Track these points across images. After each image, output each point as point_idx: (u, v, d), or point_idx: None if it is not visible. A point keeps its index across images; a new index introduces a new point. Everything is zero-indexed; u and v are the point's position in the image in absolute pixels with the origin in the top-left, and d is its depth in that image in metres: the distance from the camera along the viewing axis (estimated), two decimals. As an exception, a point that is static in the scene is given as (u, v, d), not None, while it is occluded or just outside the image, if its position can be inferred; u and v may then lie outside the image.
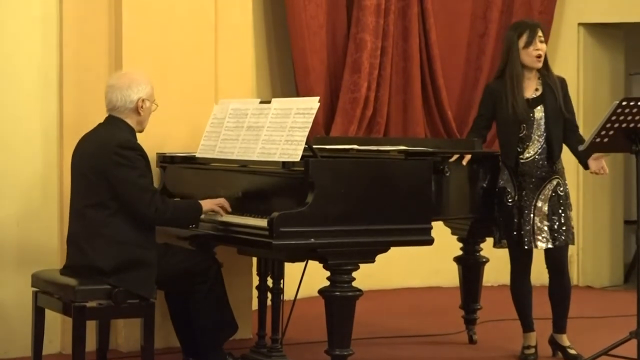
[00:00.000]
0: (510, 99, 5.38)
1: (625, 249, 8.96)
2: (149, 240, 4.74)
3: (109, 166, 4.64)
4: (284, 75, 7.59)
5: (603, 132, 4.99)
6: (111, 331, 5.33)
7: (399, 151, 5.11)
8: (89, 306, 4.59)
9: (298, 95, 7.25)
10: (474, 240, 6.03)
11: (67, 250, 4.86)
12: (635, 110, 4.94)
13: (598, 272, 8.56)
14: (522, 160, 5.45)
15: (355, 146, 5.59)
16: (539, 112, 5.43)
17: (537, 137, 5.43)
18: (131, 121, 4.82)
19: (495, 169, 5.55)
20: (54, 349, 5.63)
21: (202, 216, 4.90)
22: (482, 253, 6.10)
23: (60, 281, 4.72)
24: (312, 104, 4.85)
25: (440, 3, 8.05)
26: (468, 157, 5.34)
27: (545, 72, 5.49)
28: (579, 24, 8.42)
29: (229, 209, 4.95)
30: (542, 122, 5.42)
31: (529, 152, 5.44)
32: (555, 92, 5.44)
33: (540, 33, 5.44)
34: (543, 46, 5.45)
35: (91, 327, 4.92)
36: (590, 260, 8.48)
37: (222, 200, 4.96)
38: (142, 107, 4.81)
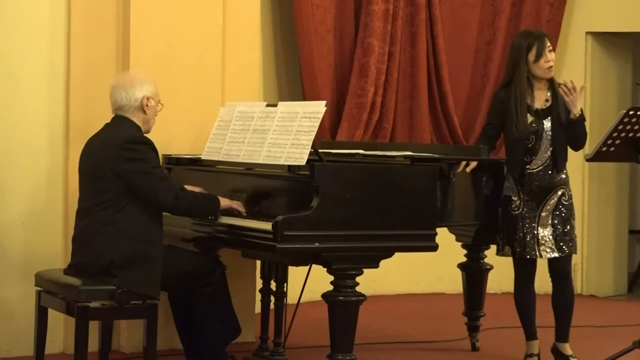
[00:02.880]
0: (518, 114, 5.36)
1: (629, 259, 8.96)
2: (155, 237, 4.74)
3: (120, 163, 4.64)
4: (291, 79, 7.60)
5: (609, 141, 4.99)
6: (114, 332, 5.33)
7: (405, 157, 5.10)
8: (92, 306, 4.59)
9: (305, 99, 7.25)
10: (478, 247, 6.03)
11: (72, 248, 4.86)
12: (642, 119, 4.95)
13: (602, 281, 8.54)
14: (528, 171, 5.43)
15: (361, 151, 5.59)
16: (547, 123, 5.41)
17: (545, 147, 5.41)
18: (137, 120, 4.82)
19: (500, 176, 5.54)
20: (56, 349, 5.63)
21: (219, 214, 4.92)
22: (486, 260, 6.10)
23: (63, 281, 4.72)
24: (318, 108, 4.85)
25: (448, 9, 8.05)
26: (473, 164, 5.33)
27: (551, 81, 5.48)
28: (587, 33, 8.41)
29: (244, 212, 4.96)
30: (550, 133, 5.41)
31: (536, 163, 5.42)
32: (559, 102, 5.42)
33: (548, 43, 5.41)
34: (552, 55, 5.42)
35: (94, 327, 4.92)
36: (594, 269, 8.47)
37: (239, 203, 4.97)
38: (147, 105, 4.81)
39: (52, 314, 4.92)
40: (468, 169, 5.30)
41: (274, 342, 5.28)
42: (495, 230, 5.59)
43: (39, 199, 5.66)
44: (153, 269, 4.67)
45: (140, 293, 4.62)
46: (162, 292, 4.84)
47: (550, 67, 5.40)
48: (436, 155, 5.21)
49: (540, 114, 5.42)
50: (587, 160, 5.26)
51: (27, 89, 5.63)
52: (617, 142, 5.00)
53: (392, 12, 7.65)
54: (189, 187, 4.96)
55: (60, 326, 5.60)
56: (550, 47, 5.43)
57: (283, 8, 7.48)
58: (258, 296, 5.47)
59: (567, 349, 5.60)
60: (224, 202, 4.91)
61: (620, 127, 4.95)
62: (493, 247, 5.99)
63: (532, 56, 5.37)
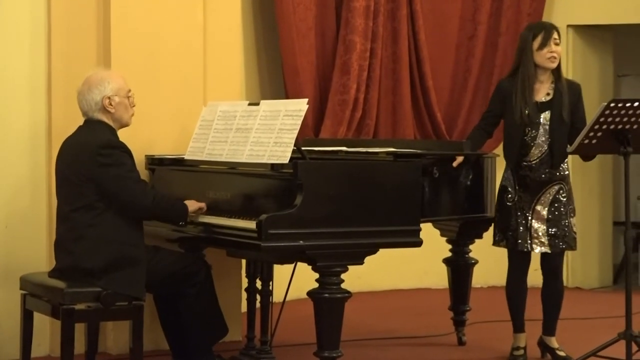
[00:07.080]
0: (520, 101, 5.37)
1: (614, 251, 8.99)
2: (137, 238, 4.74)
3: (94, 169, 4.63)
4: (273, 77, 7.59)
5: (591, 134, 5.00)
6: (100, 334, 5.32)
7: (388, 153, 5.11)
8: (78, 309, 4.58)
9: (287, 97, 7.24)
10: (463, 241, 6.05)
11: (54, 253, 4.85)
12: (623, 112, 4.96)
13: (587, 273, 8.57)
14: (524, 163, 5.44)
15: (344, 148, 5.59)
16: (546, 117, 5.42)
17: (541, 141, 5.41)
18: (107, 120, 4.81)
19: (481, 171, 5.56)
20: (42, 352, 5.62)
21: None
22: (471, 254, 6.11)
23: (48, 284, 4.71)
24: (300, 105, 4.85)
25: (429, 5, 8.06)
26: (460, 159, 5.35)
27: (557, 76, 5.47)
28: (568, 26, 8.43)
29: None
30: (548, 127, 5.41)
31: (532, 156, 5.43)
32: (563, 98, 5.43)
33: (555, 35, 5.41)
34: (558, 49, 5.42)
35: (80, 329, 4.91)
36: (580, 261, 8.49)
37: (203, 204, 4.97)
38: (110, 104, 4.79)
39: (37, 317, 4.91)
40: (454, 164, 5.32)
41: (260, 340, 5.28)
42: (478, 224, 5.60)
43: (21, 201, 5.63)
44: (137, 269, 4.67)
45: (125, 294, 4.61)
46: (148, 293, 4.83)
47: (553, 57, 5.40)
48: (419, 151, 5.22)
49: (539, 107, 5.42)
50: (569, 153, 5.27)
51: (8, 89, 5.61)
52: (599, 134, 5.01)
53: (373, 8, 7.65)
54: None
55: (46, 329, 5.58)
56: (557, 40, 5.42)
57: (264, 6, 7.48)
58: (244, 295, 5.46)
59: (554, 342, 5.62)
60: (192, 206, 4.91)
61: (602, 119, 4.96)
62: (478, 242, 6.01)
63: (536, 44, 5.38)
